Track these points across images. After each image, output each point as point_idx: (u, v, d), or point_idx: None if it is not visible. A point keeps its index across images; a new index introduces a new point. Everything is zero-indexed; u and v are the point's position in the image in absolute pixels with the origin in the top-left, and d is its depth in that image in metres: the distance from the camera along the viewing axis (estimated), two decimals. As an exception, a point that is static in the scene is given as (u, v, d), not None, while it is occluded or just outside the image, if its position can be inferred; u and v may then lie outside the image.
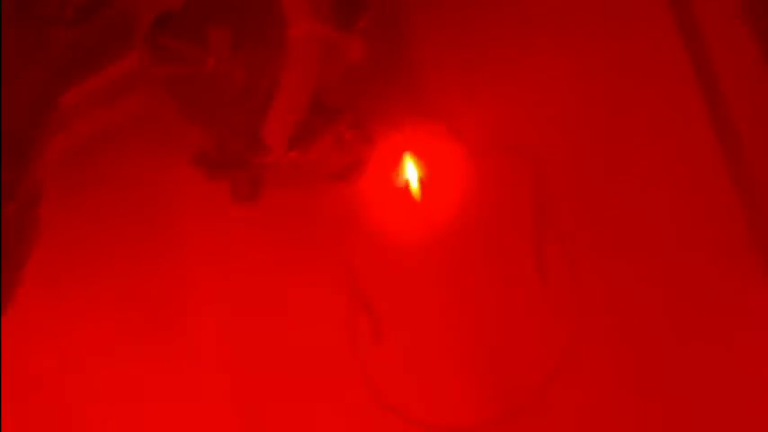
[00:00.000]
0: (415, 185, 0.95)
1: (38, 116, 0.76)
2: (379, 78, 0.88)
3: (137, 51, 0.85)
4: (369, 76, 0.85)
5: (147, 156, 1.01)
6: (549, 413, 0.91)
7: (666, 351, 0.89)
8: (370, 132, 0.87)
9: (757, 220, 0.88)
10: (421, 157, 0.95)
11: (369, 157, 0.89)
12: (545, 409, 0.92)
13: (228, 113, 0.82)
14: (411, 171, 0.95)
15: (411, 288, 0.97)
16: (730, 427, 0.87)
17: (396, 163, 0.94)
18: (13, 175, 0.73)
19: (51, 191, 0.79)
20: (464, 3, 0.96)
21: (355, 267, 0.98)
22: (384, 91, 0.90)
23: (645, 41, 0.91)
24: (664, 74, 0.91)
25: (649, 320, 0.90)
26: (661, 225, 0.90)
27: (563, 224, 0.93)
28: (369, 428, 0.97)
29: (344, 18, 0.82)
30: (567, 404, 0.91)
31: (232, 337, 1.05)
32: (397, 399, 0.96)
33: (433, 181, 0.95)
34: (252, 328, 1.04)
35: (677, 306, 0.89)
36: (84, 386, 1.08)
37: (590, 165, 0.93)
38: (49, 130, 0.78)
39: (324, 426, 0.99)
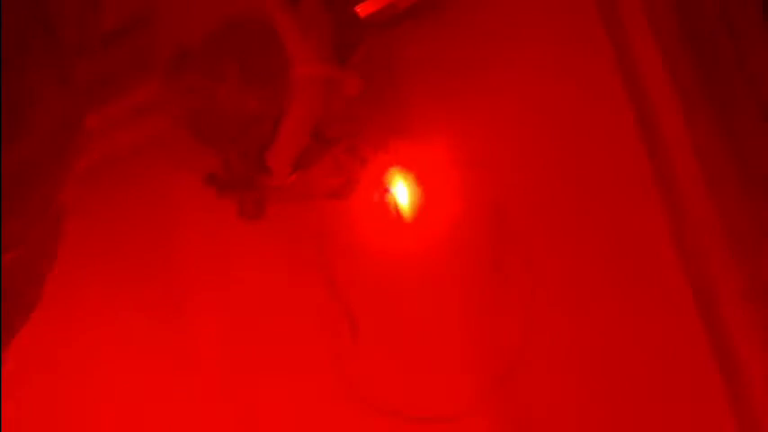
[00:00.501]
0: (401, 199, 0.99)
1: (64, 141, 0.77)
2: (370, 106, 0.93)
3: (157, 83, 0.90)
4: (362, 106, 0.90)
5: (160, 174, 1.04)
6: (512, 400, 0.98)
7: (614, 339, 0.96)
8: (363, 156, 0.92)
9: (678, 226, 0.96)
10: (406, 173, 0.99)
11: (361, 177, 0.93)
12: (509, 396, 0.98)
13: (237, 140, 0.87)
14: (398, 186, 0.99)
15: (386, 291, 1.02)
16: (676, 404, 0.95)
17: (384, 179, 0.99)
18: (42, 197, 0.75)
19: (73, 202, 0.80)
20: (444, 40, 1.02)
21: (337, 274, 1.02)
22: (375, 117, 0.95)
23: (588, 77, 0.99)
24: (603, 102, 0.99)
25: (598, 311, 0.97)
26: (600, 228, 0.98)
27: (521, 230, 1.00)
28: (349, 419, 1.02)
29: (341, 53, 0.88)
30: (529, 390, 0.97)
31: (227, 334, 1.08)
32: (373, 392, 1.01)
33: (416, 194, 1.00)
34: (246, 328, 1.08)
35: (619, 297, 0.97)
36: (97, 377, 1.11)
37: (544, 177, 1.00)
38: (75, 154, 0.78)
39: (306, 414, 1.04)
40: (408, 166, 1.00)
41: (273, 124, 0.85)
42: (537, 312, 0.98)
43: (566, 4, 0.98)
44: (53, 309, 0.82)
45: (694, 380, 0.94)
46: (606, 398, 0.96)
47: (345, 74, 0.86)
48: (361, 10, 0.95)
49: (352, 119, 0.90)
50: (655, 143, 0.97)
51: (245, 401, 1.08)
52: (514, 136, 1.00)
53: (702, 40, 0.96)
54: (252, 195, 0.90)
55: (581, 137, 0.99)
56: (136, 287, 1.12)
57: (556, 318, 0.98)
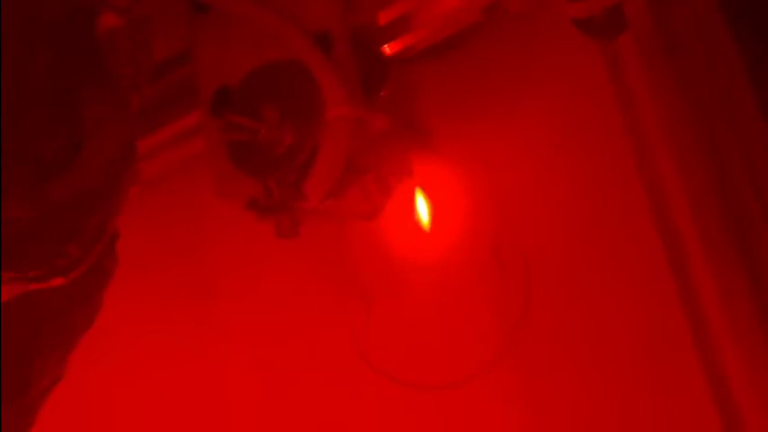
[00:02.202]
0: (423, 215, 1.07)
1: (120, 170, 0.81)
2: (396, 140, 0.99)
3: (202, 120, 0.96)
4: (388, 139, 0.96)
5: (199, 194, 1.07)
6: (515, 369, 1.05)
7: (603, 325, 1.02)
8: (389, 185, 0.98)
9: (670, 242, 1.00)
10: (429, 194, 1.08)
11: (388, 202, 0.98)
12: (512, 365, 1.05)
13: (274, 170, 0.92)
14: (421, 205, 1.07)
15: (402, 280, 1.10)
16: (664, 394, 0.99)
17: (410, 199, 1.07)
18: (99, 222, 0.80)
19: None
20: (461, 76, 1.09)
21: (358, 267, 1.11)
22: (400, 149, 1.01)
23: (590, 116, 1.04)
24: (601, 136, 1.04)
25: (589, 303, 1.03)
26: (590, 233, 1.04)
27: (520, 233, 1.07)
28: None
29: (369, 89, 0.94)
30: (529, 360, 1.05)
31: (257, 351, 1.16)
32: (387, 364, 1.08)
33: (436, 211, 1.08)
34: (275, 348, 1.16)
35: (609, 288, 1.02)
36: (132, 387, 1.19)
37: (542, 193, 1.07)
38: (129, 181, 0.83)
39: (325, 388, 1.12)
40: (428, 188, 1.07)
41: (309, 156, 0.90)
42: (534, 297, 1.06)
43: (574, 51, 1.03)
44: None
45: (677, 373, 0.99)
46: (600, 373, 1.02)
47: (373, 113, 0.92)
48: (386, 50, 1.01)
49: (379, 152, 0.96)
50: (652, 184, 1.02)
51: (266, 389, 1.15)
52: (522, 163, 1.07)
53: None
54: (288, 217, 0.95)
55: (575, 167, 1.05)
56: (171, 304, 1.19)
57: (551, 300, 1.05)
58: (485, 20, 1.03)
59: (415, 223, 1.08)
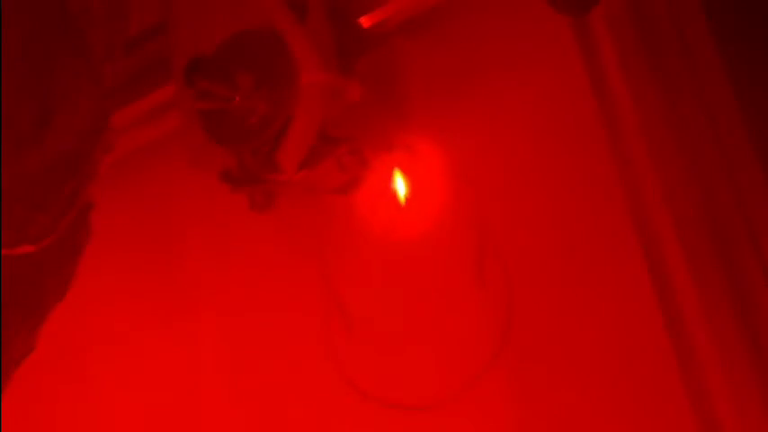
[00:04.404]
0: (399, 194, 1.06)
1: (92, 140, 0.81)
2: (372, 111, 0.97)
3: (175, 89, 0.95)
4: (364, 111, 0.95)
5: (171, 170, 1.10)
6: (489, 391, 1.04)
7: (587, 339, 1.01)
8: (365, 157, 0.97)
9: (641, 222, 1.00)
10: (403, 172, 1.06)
11: (364, 175, 0.99)
12: (486, 388, 1.04)
13: (248, 140, 0.91)
14: (396, 183, 1.06)
15: (378, 290, 1.08)
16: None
17: (386, 177, 1.05)
18: (70, 192, 0.79)
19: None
20: (441, 50, 1.09)
21: (334, 272, 1.09)
22: (377, 121, 0.99)
23: (563, 97, 1.05)
24: (578, 125, 1.04)
25: (572, 314, 1.03)
26: (571, 234, 1.04)
27: (500, 238, 1.06)
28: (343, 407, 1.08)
29: (344, 61, 0.93)
30: (505, 382, 1.03)
31: (228, 324, 1.16)
32: (365, 382, 1.07)
33: (414, 192, 1.06)
34: (245, 321, 1.15)
35: (591, 299, 1.02)
36: (101, 363, 1.18)
37: (523, 189, 1.07)
38: (102, 152, 0.82)
39: (302, 404, 1.10)
40: (406, 166, 1.06)
41: (282, 126, 0.89)
42: (516, 306, 1.05)
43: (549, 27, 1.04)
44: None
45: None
46: (585, 386, 1.02)
47: (347, 81, 0.91)
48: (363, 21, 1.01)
49: (355, 122, 0.95)
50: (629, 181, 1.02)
51: (238, 389, 1.14)
52: (501, 140, 1.06)
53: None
54: (262, 189, 0.95)
55: (562, 154, 1.06)
56: (143, 277, 1.18)
57: (533, 311, 1.05)
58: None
59: (393, 199, 1.07)
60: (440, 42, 1.09)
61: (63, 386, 1.20)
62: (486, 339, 1.05)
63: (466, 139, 1.07)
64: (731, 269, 0.97)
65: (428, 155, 1.06)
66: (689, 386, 0.96)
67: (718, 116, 0.99)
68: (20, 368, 0.82)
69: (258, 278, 1.15)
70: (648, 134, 1.01)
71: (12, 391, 0.79)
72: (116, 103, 0.92)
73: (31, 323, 0.83)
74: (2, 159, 0.74)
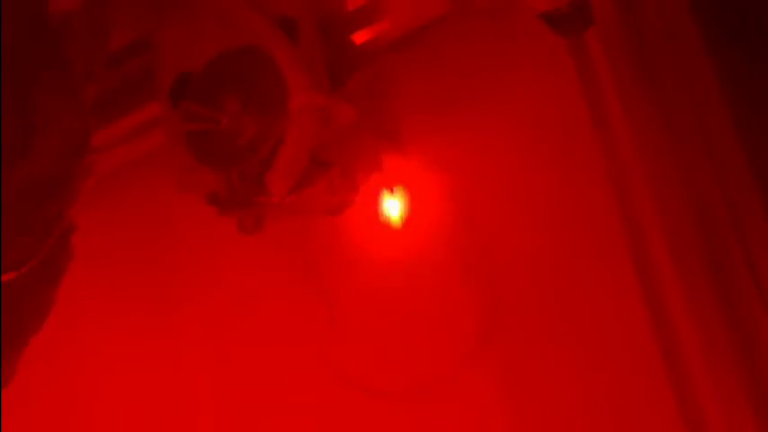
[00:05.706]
0: (389, 211, 1.06)
1: (73, 160, 0.79)
2: (363, 132, 0.96)
3: (161, 109, 0.93)
4: (356, 132, 0.93)
5: (159, 188, 1.07)
6: (472, 377, 1.05)
7: (567, 327, 1.02)
8: (355, 179, 0.95)
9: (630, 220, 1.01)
10: (394, 190, 1.06)
11: (354, 198, 0.96)
12: (469, 375, 1.05)
13: (236, 162, 0.89)
14: (389, 202, 1.06)
15: (368, 286, 1.09)
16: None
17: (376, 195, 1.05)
18: (52, 214, 0.78)
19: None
20: (434, 68, 1.07)
21: (324, 275, 1.10)
22: (368, 143, 0.98)
23: (557, 110, 1.04)
24: (568, 130, 1.04)
25: (553, 306, 1.03)
26: (554, 233, 1.04)
27: (485, 234, 1.06)
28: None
29: (336, 79, 0.90)
30: (488, 369, 1.05)
31: (217, 325, 1.15)
32: (351, 371, 1.08)
33: (402, 207, 1.06)
34: (234, 324, 1.14)
35: (572, 292, 1.03)
36: (93, 372, 1.18)
37: (518, 206, 1.06)
38: (83, 173, 0.80)
39: (296, 403, 1.11)
40: (397, 185, 1.05)
41: (272, 149, 0.87)
42: (498, 305, 1.06)
43: (543, 47, 1.02)
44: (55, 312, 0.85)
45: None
46: (573, 374, 1.02)
47: (339, 104, 0.89)
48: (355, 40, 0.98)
49: (346, 145, 0.93)
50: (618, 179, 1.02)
51: (226, 385, 1.14)
52: (490, 159, 1.06)
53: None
54: (251, 212, 0.93)
55: (542, 163, 1.06)
56: (133, 293, 1.17)
57: (513, 308, 1.05)
58: (452, 10, 1.02)
59: (383, 221, 1.06)
60: (434, 59, 1.08)
61: (57, 390, 1.20)
62: (471, 333, 1.06)
63: (459, 154, 1.07)
64: (721, 277, 0.97)
65: (419, 171, 1.06)
66: (675, 383, 0.97)
67: (712, 130, 1.00)
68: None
69: (248, 299, 1.14)
70: (642, 149, 1.01)
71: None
72: (99, 121, 0.92)
73: (10, 350, 0.81)
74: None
